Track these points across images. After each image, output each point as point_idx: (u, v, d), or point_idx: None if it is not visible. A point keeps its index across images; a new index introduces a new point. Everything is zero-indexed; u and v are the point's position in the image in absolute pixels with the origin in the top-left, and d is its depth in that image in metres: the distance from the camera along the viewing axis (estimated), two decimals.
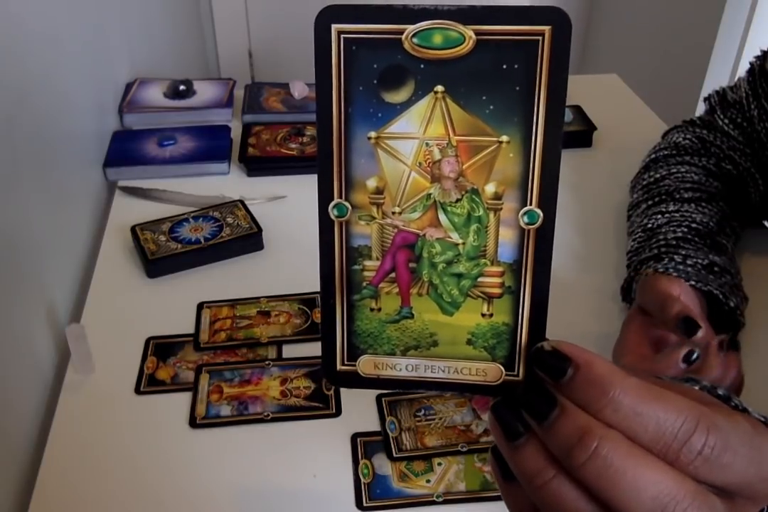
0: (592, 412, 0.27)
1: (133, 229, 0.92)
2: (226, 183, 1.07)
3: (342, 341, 0.32)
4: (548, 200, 0.30)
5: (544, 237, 0.30)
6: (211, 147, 1.11)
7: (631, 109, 1.27)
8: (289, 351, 0.79)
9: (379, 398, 0.73)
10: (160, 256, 0.88)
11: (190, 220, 0.94)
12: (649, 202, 0.84)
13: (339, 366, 0.33)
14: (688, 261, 0.73)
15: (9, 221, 0.73)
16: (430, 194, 0.30)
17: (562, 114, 0.29)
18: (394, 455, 0.67)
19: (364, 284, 0.32)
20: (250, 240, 0.92)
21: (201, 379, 0.75)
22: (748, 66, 0.87)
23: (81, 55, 1.03)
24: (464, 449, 0.67)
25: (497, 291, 0.31)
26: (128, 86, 1.25)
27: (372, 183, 0.30)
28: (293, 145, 1.11)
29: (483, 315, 0.31)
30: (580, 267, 0.90)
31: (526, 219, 0.30)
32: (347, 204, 0.31)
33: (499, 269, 0.31)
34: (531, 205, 0.30)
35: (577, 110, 1.17)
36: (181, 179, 1.06)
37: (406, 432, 0.69)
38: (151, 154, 1.09)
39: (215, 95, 1.24)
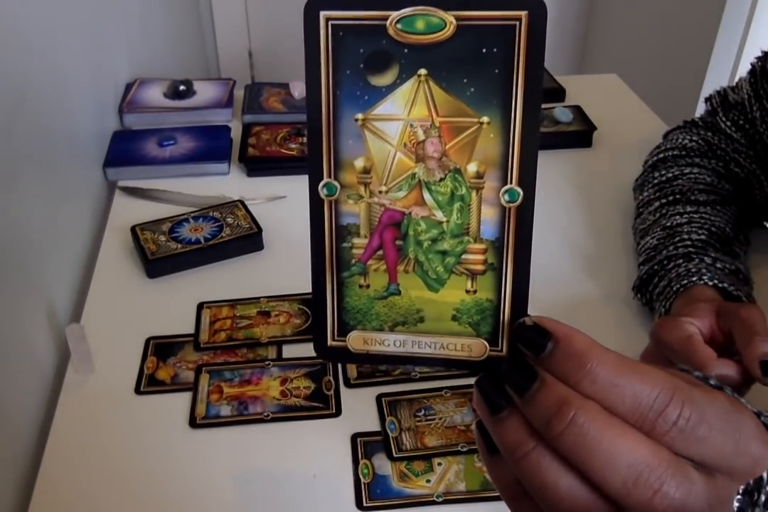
0: (571, 384, 0.28)
1: (133, 229, 0.92)
2: (226, 183, 1.07)
3: (332, 317, 0.33)
4: (528, 179, 0.31)
5: (524, 215, 0.31)
6: (211, 147, 1.11)
7: (631, 109, 1.27)
8: (289, 351, 0.79)
9: (379, 398, 0.73)
10: (160, 256, 0.88)
11: (190, 220, 0.94)
12: (662, 201, 0.84)
13: (330, 342, 0.34)
14: (718, 265, 0.73)
15: (9, 221, 0.73)
16: (414, 173, 0.31)
17: (539, 96, 0.30)
18: (394, 455, 0.67)
19: (353, 261, 0.33)
20: (250, 240, 0.92)
21: (201, 379, 0.75)
22: (749, 67, 0.87)
23: (81, 55, 1.03)
24: (464, 449, 0.67)
25: (480, 267, 0.32)
26: (128, 86, 1.25)
27: (359, 163, 0.31)
28: (293, 145, 1.11)
29: (467, 291, 0.32)
30: (586, 267, 0.89)
31: (506, 197, 0.31)
32: (336, 183, 0.32)
33: (482, 246, 0.32)
34: (511, 183, 0.31)
35: (577, 110, 1.17)
36: (181, 179, 1.06)
37: (406, 432, 0.69)
38: (151, 154, 1.09)
39: (215, 95, 1.24)
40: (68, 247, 0.91)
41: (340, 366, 0.76)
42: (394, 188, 0.32)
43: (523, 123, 0.30)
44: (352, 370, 0.76)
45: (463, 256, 0.32)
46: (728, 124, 0.89)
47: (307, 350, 0.78)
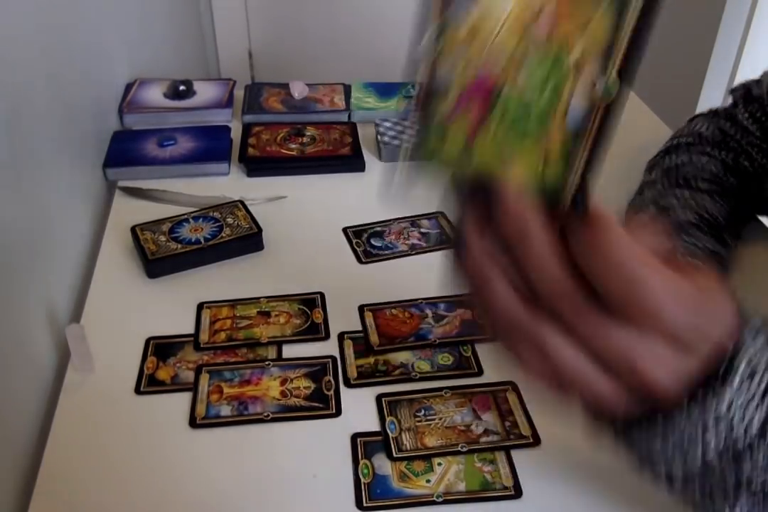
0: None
1: (133, 229, 0.92)
2: (226, 183, 1.07)
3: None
4: (629, 72, 0.29)
5: (614, 109, 0.29)
6: (211, 147, 1.11)
7: (631, 109, 1.27)
8: (289, 351, 0.79)
9: (379, 398, 0.73)
10: (160, 256, 0.88)
11: (190, 220, 0.94)
12: (665, 183, 0.86)
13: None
14: (698, 244, 0.75)
15: (9, 221, 0.73)
16: (518, 47, 0.30)
17: None
18: (394, 455, 0.67)
19: (437, 120, 0.32)
20: (250, 240, 0.92)
21: (201, 379, 0.75)
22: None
23: (81, 55, 1.03)
24: (464, 449, 0.67)
25: (554, 156, 0.31)
26: (128, 86, 1.25)
27: (468, 23, 0.30)
28: (293, 145, 1.11)
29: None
30: None
31: (601, 88, 0.29)
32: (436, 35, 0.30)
33: (563, 134, 0.30)
34: (611, 74, 0.29)
35: None
36: (181, 179, 1.06)
37: (406, 432, 0.69)
38: (151, 154, 1.09)
39: (215, 95, 1.24)
40: (68, 247, 0.92)
41: (340, 366, 0.76)
42: (494, 58, 0.30)
43: (642, 10, 0.28)
44: (352, 370, 0.76)
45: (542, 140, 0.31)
46: (746, 116, 0.90)
47: (307, 350, 0.79)
